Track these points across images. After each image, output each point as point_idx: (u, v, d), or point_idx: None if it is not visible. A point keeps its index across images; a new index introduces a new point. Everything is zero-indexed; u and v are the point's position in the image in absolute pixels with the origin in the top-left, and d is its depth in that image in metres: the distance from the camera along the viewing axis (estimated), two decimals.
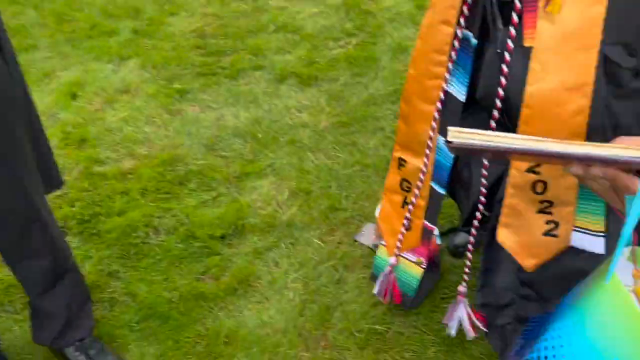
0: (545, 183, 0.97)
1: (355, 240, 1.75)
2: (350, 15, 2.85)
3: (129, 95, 2.47)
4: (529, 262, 1.03)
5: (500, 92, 0.99)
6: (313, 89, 2.44)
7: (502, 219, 1.06)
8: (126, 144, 2.22)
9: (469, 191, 1.29)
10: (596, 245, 0.98)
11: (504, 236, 1.06)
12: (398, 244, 1.35)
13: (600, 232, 0.97)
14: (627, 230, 0.68)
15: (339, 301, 1.60)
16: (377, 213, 1.70)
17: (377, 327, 1.53)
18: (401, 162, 1.28)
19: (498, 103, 1.01)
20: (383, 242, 1.64)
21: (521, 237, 1.04)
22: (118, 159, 2.16)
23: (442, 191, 1.24)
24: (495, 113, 1.02)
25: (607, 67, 0.87)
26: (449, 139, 0.68)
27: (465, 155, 0.96)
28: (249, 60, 2.62)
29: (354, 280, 1.66)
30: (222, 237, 1.82)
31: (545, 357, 0.73)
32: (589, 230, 0.98)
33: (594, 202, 0.96)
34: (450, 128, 0.69)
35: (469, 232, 1.75)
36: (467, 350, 1.45)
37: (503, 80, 0.98)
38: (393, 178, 1.32)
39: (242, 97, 2.42)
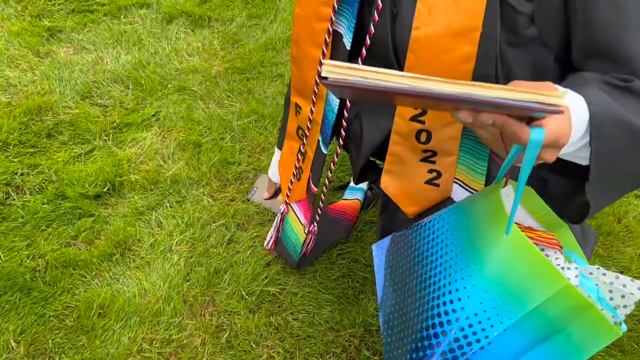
0: (429, 133, 0.93)
1: (248, 200, 1.61)
2: None
3: None
4: (410, 209, 1.03)
5: (372, 29, 0.91)
6: (205, 31, 2.22)
7: (386, 165, 1.02)
8: None
9: (360, 146, 1.21)
10: None
11: (387, 182, 1.03)
12: (288, 192, 1.29)
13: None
14: (523, 179, 0.64)
15: (230, 263, 1.48)
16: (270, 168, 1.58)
17: (269, 288, 1.43)
18: (297, 108, 1.18)
19: (368, 41, 0.92)
20: (269, 206, 1.55)
21: (403, 184, 1.02)
22: None
23: (324, 150, 1.15)
24: (364, 52, 0.94)
25: (502, 10, 0.79)
26: (323, 74, 0.58)
27: (345, 96, 0.87)
28: None
29: (247, 239, 1.54)
30: (97, 197, 1.61)
31: (457, 319, 0.71)
32: (469, 187, 0.97)
33: (476, 159, 0.94)
34: (324, 62, 0.58)
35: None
36: (362, 308, 1.39)
37: (376, 17, 0.89)
38: (292, 124, 1.23)
39: (123, 37, 2.15)
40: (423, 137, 0.95)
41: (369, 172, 1.56)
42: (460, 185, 0.98)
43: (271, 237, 1.41)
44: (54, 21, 2.19)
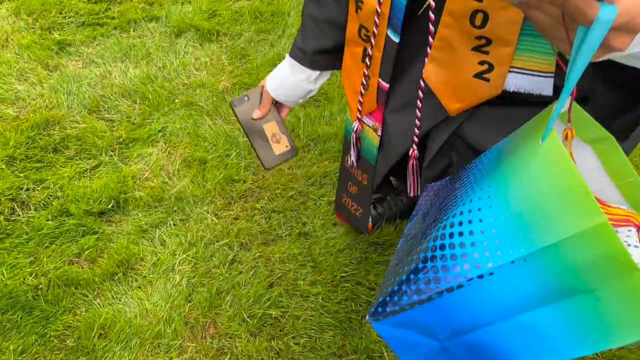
0: (485, 14, 0.82)
1: (232, 107, 1.20)
2: None
3: None
4: (453, 106, 0.92)
5: None
6: (213, 45, 2.21)
7: (432, 52, 0.91)
8: None
9: (388, 154, 1.15)
10: (542, 86, 0.84)
11: (430, 72, 0.92)
12: (359, 106, 1.13)
13: (549, 72, 0.83)
14: (577, 70, 0.51)
15: (232, 284, 1.46)
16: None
17: (271, 311, 1.41)
18: (358, 3, 1.04)
19: None
20: (247, 129, 1.23)
21: (448, 76, 0.91)
22: None
23: (396, 39, 1.01)
24: None
25: None
26: None
27: None
28: (142, 9, 2.34)
29: (250, 259, 1.52)
30: (101, 214, 1.61)
31: (460, 233, 0.60)
32: (533, 71, 0.85)
33: (543, 39, 0.82)
34: None
35: (376, 200, 1.65)
36: (366, 333, 1.37)
37: None
38: (352, 25, 1.06)
39: (132, 51, 2.16)
40: (478, 19, 0.83)
41: (384, 184, 1.50)
42: (522, 73, 0.86)
43: (354, 155, 1.25)
44: (64, 34, 2.20)
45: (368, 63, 1.04)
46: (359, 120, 1.14)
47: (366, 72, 1.06)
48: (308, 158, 1.82)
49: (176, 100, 1.98)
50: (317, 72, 1.14)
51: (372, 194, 1.28)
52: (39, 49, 2.13)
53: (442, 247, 0.61)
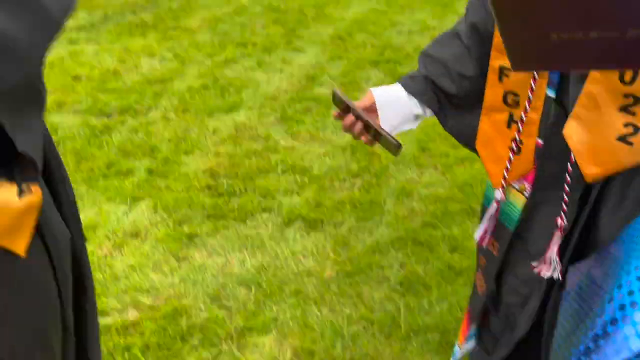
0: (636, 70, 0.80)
1: (335, 92, 1.19)
2: (355, 156, 2.95)
3: (139, 240, 2.52)
4: (591, 170, 0.88)
5: None
6: (318, 234, 2.47)
7: (576, 109, 0.89)
8: (132, 293, 2.23)
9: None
10: None
11: (572, 130, 0.90)
12: (505, 173, 1.09)
13: None
14: None
15: None
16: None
17: None
18: (504, 72, 1.05)
19: None
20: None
21: (591, 137, 0.88)
22: (122, 310, 2.16)
23: (552, 94, 1.01)
24: None
25: None
26: None
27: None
28: (257, 202, 2.69)
29: None
30: None
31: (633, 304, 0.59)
32: None
33: None
34: None
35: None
36: None
37: None
38: (494, 92, 1.08)
39: (249, 241, 2.45)
40: (628, 75, 0.81)
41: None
42: None
43: (485, 230, 1.20)
44: (192, 227, 2.57)
45: (520, 127, 1.05)
46: (504, 189, 1.12)
47: (517, 137, 1.06)
48: (409, 350, 1.90)
49: (287, 289, 2.19)
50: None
51: (500, 268, 1.21)
52: (171, 240, 2.49)
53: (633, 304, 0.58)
